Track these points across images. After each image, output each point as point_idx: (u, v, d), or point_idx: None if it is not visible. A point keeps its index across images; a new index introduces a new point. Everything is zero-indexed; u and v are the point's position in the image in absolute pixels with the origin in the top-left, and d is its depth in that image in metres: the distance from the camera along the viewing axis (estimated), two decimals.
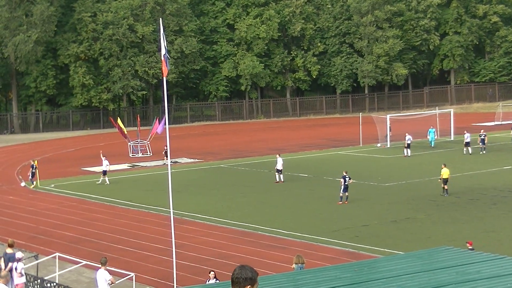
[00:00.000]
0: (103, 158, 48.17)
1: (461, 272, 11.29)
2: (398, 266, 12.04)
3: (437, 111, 70.34)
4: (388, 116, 64.69)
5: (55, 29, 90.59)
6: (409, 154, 55.09)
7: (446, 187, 39.03)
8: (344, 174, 38.10)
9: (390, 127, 63.15)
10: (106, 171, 47.66)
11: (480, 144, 55.49)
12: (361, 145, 62.32)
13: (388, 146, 61.09)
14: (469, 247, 25.74)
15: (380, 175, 46.59)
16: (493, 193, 39.14)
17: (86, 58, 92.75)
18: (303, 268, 22.80)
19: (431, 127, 61.57)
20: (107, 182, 47.29)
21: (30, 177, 48.52)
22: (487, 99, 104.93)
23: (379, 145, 62.11)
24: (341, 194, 37.99)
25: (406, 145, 55.82)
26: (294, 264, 23.37)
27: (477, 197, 38.34)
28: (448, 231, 31.06)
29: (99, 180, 47.80)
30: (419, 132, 62.11)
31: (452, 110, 68.39)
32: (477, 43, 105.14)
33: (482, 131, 56.82)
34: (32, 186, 47.81)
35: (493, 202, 36.86)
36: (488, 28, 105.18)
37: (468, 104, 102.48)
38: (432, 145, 59.40)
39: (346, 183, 37.77)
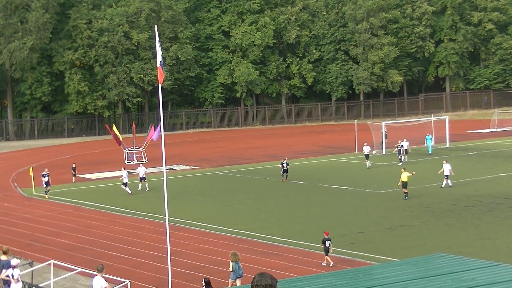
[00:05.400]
0: (141, 165, 49.18)
1: (456, 279, 11.29)
2: (394, 273, 12.03)
3: (432, 118, 70.35)
4: (383, 123, 64.71)
5: (50, 36, 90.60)
6: (406, 160, 55.16)
7: (406, 190, 40.20)
8: (283, 161, 48.75)
9: (386, 134, 63.18)
10: (144, 177, 47.46)
11: (399, 155, 55.27)
12: (356, 152, 62.30)
13: (384, 153, 61.11)
14: (326, 236, 26.42)
15: (376, 182, 46.62)
16: (488, 200, 39.14)
17: (82, 65, 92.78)
18: (239, 265, 23.49)
19: (428, 134, 61.62)
20: (147, 188, 47.01)
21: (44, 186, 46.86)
22: (482, 106, 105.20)
23: (374, 152, 62.09)
24: (282, 175, 48.06)
25: (397, 151, 56.13)
26: (231, 262, 23.55)
27: (472, 204, 38.34)
28: (443, 238, 31.04)
29: (138, 187, 47.40)
30: (415, 139, 62.16)
31: (447, 117, 68.47)
32: (472, 50, 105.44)
33: (400, 141, 56.25)
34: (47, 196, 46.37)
35: (489, 209, 36.86)
36: (483, 35, 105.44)
37: (463, 111, 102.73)
38: (430, 152, 59.43)
39: (285, 168, 47.83)
